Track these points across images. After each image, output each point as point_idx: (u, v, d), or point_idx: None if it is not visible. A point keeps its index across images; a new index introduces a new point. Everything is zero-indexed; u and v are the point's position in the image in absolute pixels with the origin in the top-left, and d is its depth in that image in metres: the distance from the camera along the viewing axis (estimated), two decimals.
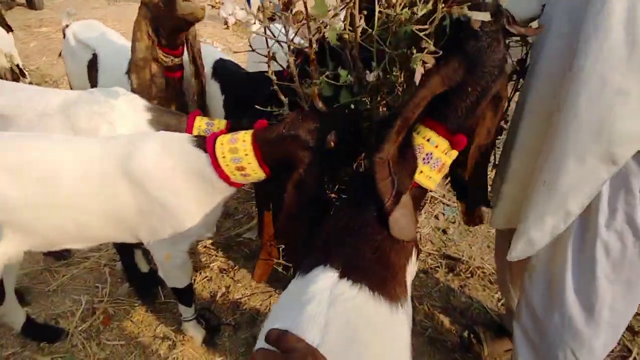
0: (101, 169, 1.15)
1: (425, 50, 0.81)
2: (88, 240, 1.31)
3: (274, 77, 1.14)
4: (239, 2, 5.96)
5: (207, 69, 1.88)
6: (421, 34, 0.83)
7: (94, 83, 2.03)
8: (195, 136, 1.20)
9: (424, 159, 0.90)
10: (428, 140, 0.90)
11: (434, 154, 0.90)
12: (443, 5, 0.85)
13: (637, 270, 0.97)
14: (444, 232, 2.23)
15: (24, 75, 3.87)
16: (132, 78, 1.66)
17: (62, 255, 2.04)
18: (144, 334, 1.72)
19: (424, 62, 0.83)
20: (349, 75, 1.04)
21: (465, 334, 1.63)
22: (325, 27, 1.02)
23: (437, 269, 1.99)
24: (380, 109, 1.12)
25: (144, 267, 1.88)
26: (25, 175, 1.12)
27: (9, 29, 3.71)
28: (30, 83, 3.99)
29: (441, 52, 0.84)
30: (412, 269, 0.93)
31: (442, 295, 1.87)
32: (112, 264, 2.02)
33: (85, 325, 1.74)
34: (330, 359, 0.58)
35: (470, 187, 1.05)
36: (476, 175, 1.01)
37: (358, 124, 1.12)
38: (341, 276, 0.76)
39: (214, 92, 1.88)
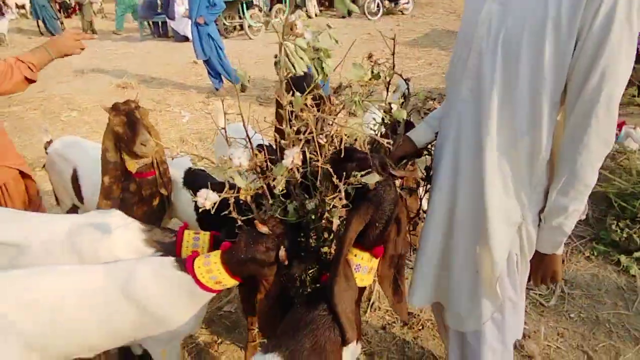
0: (104, 296, 1.42)
1: (341, 205, 1.17)
2: (92, 351, 1.57)
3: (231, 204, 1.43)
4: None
5: (179, 179, 2.13)
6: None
7: (77, 194, 2.26)
8: (176, 259, 1.48)
9: (355, 269, 1.25)
10: (355, 255, 1.25)
11: (361, 264, 1.25)
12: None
13: None
14: None
15: None
16: (103, 179, 1.90)
17: None
18: None
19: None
20: (294, 204, 1.39)
21: None
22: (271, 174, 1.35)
23: (394, 324, 2.32)
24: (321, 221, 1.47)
25: (137, 351, 2.11)
26: (44, 306, 1.38)
27: None
28: None
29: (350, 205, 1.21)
30: (353, 349, 1.27)
31: (398, 347, 2.19)
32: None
33: None
34: None
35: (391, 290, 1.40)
36: (393, 282, 1.36)
37: (303, 232, 1.46)
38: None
39: (186, 200, 2.12)
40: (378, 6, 11.53)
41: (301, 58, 1.19)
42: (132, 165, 1.93)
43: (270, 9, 11.02)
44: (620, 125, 3.23)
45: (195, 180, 2.13)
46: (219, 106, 3.91)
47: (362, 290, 1.33)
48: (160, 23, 11.08)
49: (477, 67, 1.18)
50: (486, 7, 1.14)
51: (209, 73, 6.27)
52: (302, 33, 1.13)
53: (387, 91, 1.52)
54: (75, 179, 2.24)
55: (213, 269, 1.39)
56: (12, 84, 1.82)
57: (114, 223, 1.69)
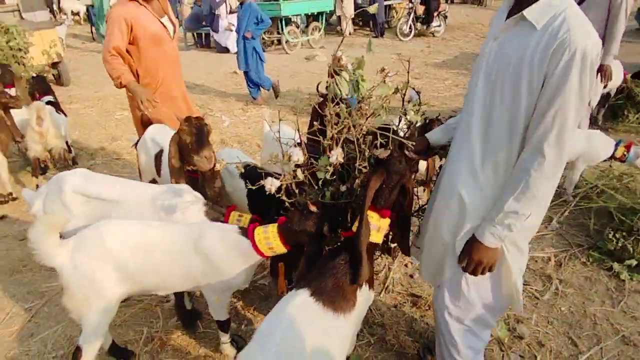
0: (181, 247, 1.87)
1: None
2: (168, 289, 2.02)
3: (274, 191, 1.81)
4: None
5: (236, 172, 2.54)
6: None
7: (157, 169, 2.79)
8: (240, 227, 1.92)
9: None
10: (368, 215, 1.65)
11: (372, 222, 1.65)
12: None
13: None
14: (411, 276, 2.94)
15: (70, 151, 4.65)
16: (171, 177, 2.32)
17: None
18: (191, 354, 2.36)
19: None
20: (330, 190, 1.82)
21: (422, 350, 2.31)
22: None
23: (404, 304, 2.69)
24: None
25: (188, 305, 2.55)
26: (140, 249, 1.84)
27: (65, 114, 4.51)
28: (74, 156, 4.75)
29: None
30: (366, 295, 1.67)
31: (407, 322, 2.55)
32: (161, 304, 2.69)
33: (147, 348, 2.39)
34: (280, 336, 1.34)
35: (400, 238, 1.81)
36: (402, 233, 1.78)
37: (340, 211, 1.88)
38: (310, 295, 1.53)
39: (240, 186, 2.58)
40: (410, 28, 11.98)
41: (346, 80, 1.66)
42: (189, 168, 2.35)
43: (307, 26, 11.62)
44: (628, 147, 3.48)
45: (249, 173, 2.48)
46: (266, 112, 4.46)
47: (374, 246, 1.72)
48: (203, 35, 11.84)
49: (475, 89, 1.56)
50: (489, 44, 1.53)
51: (247, 83, 6.81)
52: (345, 65, 1.59)
53: (403, 101, 1.94)
54: (158, 157, 2.77)
55: (270, 237, 1.81)
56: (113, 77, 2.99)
57: (184, 195, 2.16)
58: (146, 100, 2.94)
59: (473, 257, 1.58)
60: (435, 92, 7.26)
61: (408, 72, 1.90)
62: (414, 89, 1.96)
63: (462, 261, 1.63)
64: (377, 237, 1.68)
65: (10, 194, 3.95)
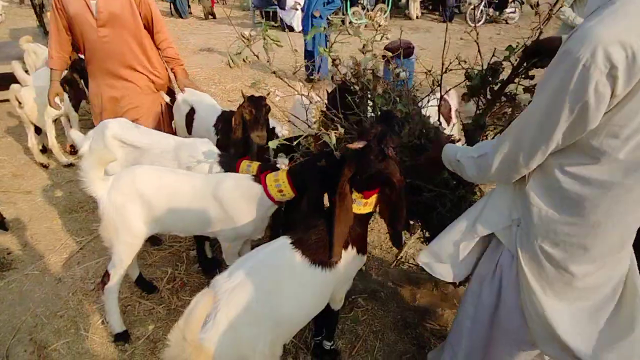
0: (201, 193, 2.07)
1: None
2: (187, 232, 2.25)
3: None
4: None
5: None
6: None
7: (189, 128, 3.06)
8: (253, 176, 2.10)
9: (353, 202, 1.72)
10: (352, 194, 1.70)
11: (356, 199, 1.70)
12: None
13: None
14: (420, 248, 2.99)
15: None
16: (231, 138, 2.59)
17: (156, 243, 3.03)
18: None
19: None
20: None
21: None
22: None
23: (414, 278, 2.75)
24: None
25: (209, 254, 2.80)
26: (164, 192, 2.06)
27: None
28: None
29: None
30: (352, 258, 1.77)
31: (411, 296, 2.62)
32: (188, 252, 2.97)
33: (169, 286, 2.67)
34: (256, 277, 1.48)
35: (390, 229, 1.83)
36: (392, 224, 1.79)
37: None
38: (290, 242, 1.66)
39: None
40: (482, 13, 11.46)
41: None
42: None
43: (373, 8, 11.51)
44: None
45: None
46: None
47: (367, 216, 1.80)
48: (271, 13, 12.14)
49: None
50: None
51: (305, 62, 6.94)
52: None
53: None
54: (189, 116, 3.06)
55: (279, 180, 1.98)
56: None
57: (203, 147, 2.37)
58: (52, 100, 2.97)
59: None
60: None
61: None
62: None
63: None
64: (365, 209, 1.76)
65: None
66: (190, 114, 3.06)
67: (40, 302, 2.55)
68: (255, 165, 2.25)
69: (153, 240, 3.03)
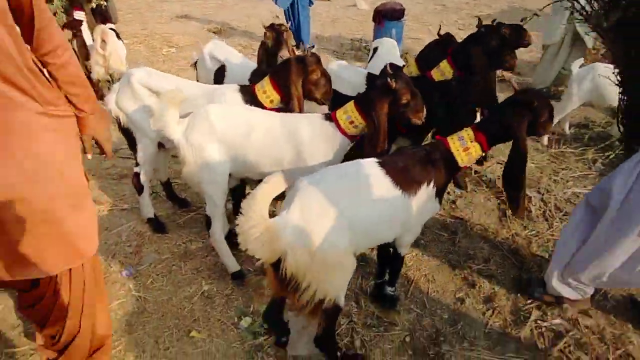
0: (278, 132, 2.04)
1: None
2: (260, 169, 2.11)
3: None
4: None
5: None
6: None
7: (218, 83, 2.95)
8: (325, 114, 2.09)
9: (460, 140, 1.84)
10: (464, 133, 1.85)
11: (464, 137, 1.83)
12: None
13: None
14: (454, 202, 3.08)
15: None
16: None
17: (185, 206, 2.97)
18: None
19: None
20: None
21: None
22: None
23: (446, 224, 2.85)
24: None
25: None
26: (240, 129, 2.03)
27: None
28: None
29: None
30: (429, 197, 1.82)
31: (449, 233, 2.72)
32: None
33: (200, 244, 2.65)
34: (336, 179, 1.63)
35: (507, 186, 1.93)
36: (511, 178, 1.89)
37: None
38: (377, 162, 1.75)
39: None
40: None
41: None
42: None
43: None
44: None
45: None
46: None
47: (457, 166, 1.88)
48: None
49: None
50: None
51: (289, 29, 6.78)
52: None
53: None
54: (219, 73, 2.96)
55: (348, 110, 2.03)
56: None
57: (228, 92, 2.35)
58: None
59: None
60: None
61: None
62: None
63: None
64: (460, 157, 1.82)
65: None
66: (221, 71, 2.95)
67: None
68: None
69: (181, 203, 2.98)
